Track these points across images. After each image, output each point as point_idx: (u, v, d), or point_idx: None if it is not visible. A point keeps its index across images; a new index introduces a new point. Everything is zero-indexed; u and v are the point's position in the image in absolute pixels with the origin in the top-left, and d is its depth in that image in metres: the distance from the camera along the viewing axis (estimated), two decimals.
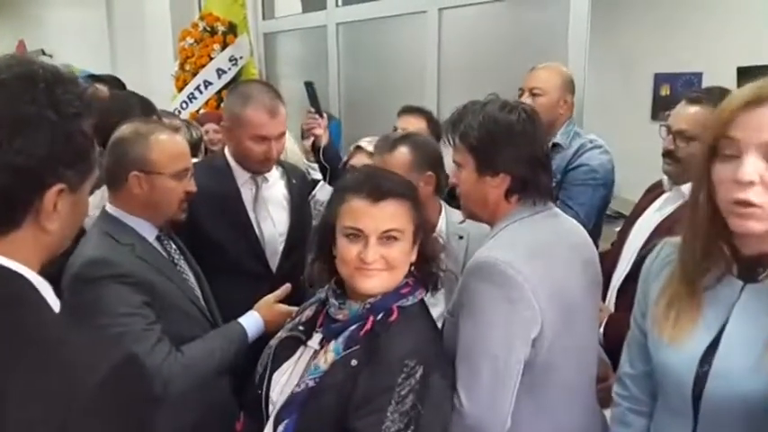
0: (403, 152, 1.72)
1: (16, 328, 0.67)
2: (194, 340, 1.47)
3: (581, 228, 1.38)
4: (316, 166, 2.58)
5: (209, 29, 4.03)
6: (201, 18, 4.11)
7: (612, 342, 1.48)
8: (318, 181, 2.54)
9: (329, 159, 2.33)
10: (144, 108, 2.10)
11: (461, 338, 1.20)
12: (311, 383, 1.14)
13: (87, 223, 1.55)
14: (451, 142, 1.33)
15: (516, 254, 1.18)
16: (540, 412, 1.23)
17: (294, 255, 1.93)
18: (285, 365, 1.23)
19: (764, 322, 0.96)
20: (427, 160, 1.74)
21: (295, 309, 1.45)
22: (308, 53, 4.13)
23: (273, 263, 1.90)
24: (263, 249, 1.88)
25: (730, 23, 4.16)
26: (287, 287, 1.65)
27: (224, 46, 4.00)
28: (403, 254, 1.18)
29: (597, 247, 1.84)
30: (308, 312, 1.30)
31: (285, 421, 1.14)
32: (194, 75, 4.03)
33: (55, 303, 0.74)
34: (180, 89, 4.09)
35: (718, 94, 1.50)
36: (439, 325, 1.31)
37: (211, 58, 3.99)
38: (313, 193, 2.43)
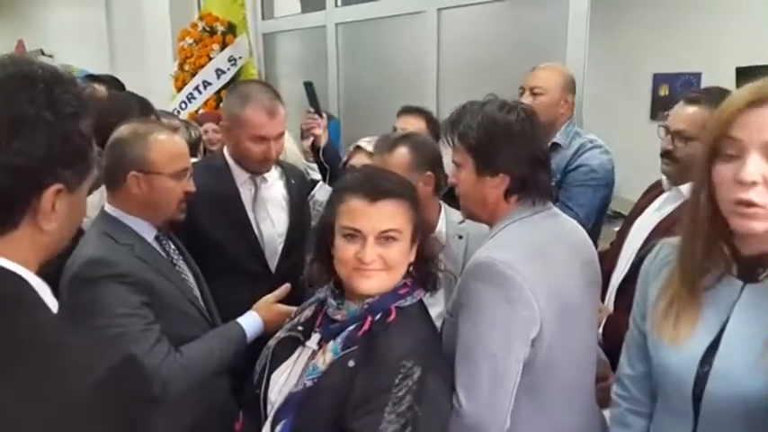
0: (402, 152, 1.72)
1: (14, 330, 0.67)
2: (193, 340, 1.47)
3: (580, 228, 1.38)
4: (315, 166, 2.58)
5: (208, 29, 4.03)
6: (201, 18, 4.10)
7: (611, 342, 1.48)
8: (317, 181, 2.54)
9: (329, 159, 2.33)
10: (142, 108, 2.10)
11: (460, 338, 1.19)
12: (309, 384, 1.14)
13: (86, 223, 1.55)
14: (450, 142, 1.33)
15: (515, 254, 1.18)
16: (540, 412, 1.23)
17: (293, 255, 1.93)
18: (284, 365, 1.23)
19: (765, 322, 0.96)
20: (427, 160, 1.73)
21: (294, 309, 1.45)
22: (308, 53, 4.13)
23: (272, 263, 1.90)
24: (262, 249, 1.87)
25: (729, 24, 4.16)
26: (286, 287, 1.64)
27: (223, 46, 4.00)
28: (401, 254, 1.18)
29: (597, 247, 1.84)
30: (307, 312, 1.30)
31: (282, 421, 1.14)
32: (193, 75, 4.02)
33: (53, 304, 0.73)
34: (179, 89, 4.09)
35: (717, 94, 1.50)
36: (438, 325, 1.31)
37: (210, 59, 3.99)
38: (312, 193, 2.43)
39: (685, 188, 1.56)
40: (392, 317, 1.17)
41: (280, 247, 1.91)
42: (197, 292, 1.62)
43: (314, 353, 1.20)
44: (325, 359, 1.16)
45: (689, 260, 1.04)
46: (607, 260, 1.72)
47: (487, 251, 1.21)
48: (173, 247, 1.61)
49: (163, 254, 1.56)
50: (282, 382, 1.20)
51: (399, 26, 3.41)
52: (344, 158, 2.26)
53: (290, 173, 2.04)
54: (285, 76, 4.33)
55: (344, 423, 1.07)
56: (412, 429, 1.04)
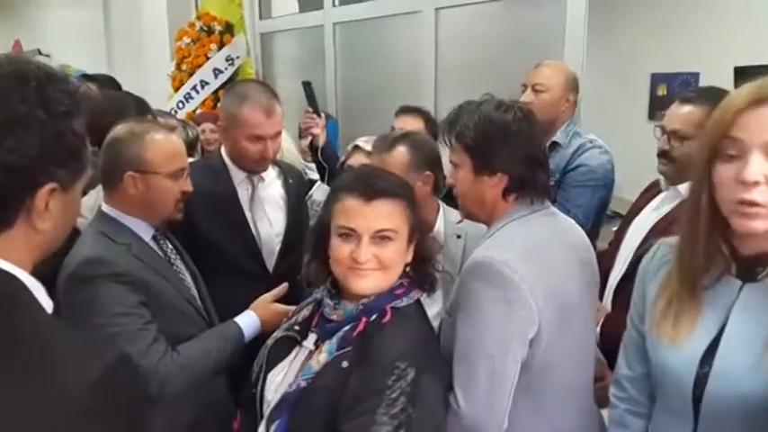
0: (401, 151, 1.72)
1: (8, 330, 0.66)
2: (190, 340, 1.46)
3: (578, 227, 1.38)
4: (312, 165, 2.57)
5: (205, 28, 4.02)
6: (198, 18, 4.10)
7: (609, 342, 1.47)
8: (315, 181, 2.53)
9: (327, 159, 2.33)
10: (139, 108, 2.09)
11: (458, 338, 1.19)
12: (303, 384, 1.14)
13: (83, 224, 1.54)
14: (448, 142, 1.32)
15: (513, 253, 1.18)
16: (538, 412, 1.23)
17: (291, 255, 1.92)
18: (280, 365, 1.23)
19: (764, 321, 0.96)
20: (425, 160, 1.73)
21: (292, 308, 1.44)
22: (305, 53, 4.12)
23: (270, 263, 1.90)
24: (259, 249, 1.87)
25: (727, 24, 4.16)
26: (284, 287, 1.64)
27: (221, 46, 4.00)
28: (397, 254, 1.17)
29: (595, 247, 1.84)
30: (305, 312, 1.30)
31: (277, 421, 1.14)
32: (191, 74, 4.02)
33: (48, 304, 0.73)
34: (176, 89, 4.09)
35: (713, 93, 1.50)
36: (435, 324, 1.31)
37: (208, 58, 3.99)
38: (310, 193, 2.42)
39: (683, 188, 1.56)
40: (387, 317, 1.16)
41: (277, 247, 1.91)
42: (194, 292, 1.62)
43: (311, 353, 1.20)
44: (319, 360, 1.15)
45: (688, 260, 1.04)
46: (605, 260, 1.72)
47: (485, 250, 1.21)
48: (170, 246, 1.61)
49: (160, 253, 1.55)
50: (279, 382, 1.20)
51: (397, 26, 3.40)
52: (342, 158, 2.26)
53: (287, 172, 2.04)
54: (283, 76, 4.33)
55: (337, 424, 1.06)
56: (405, 431, 1.04)
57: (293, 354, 1.23)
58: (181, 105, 4.01)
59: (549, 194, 1.34)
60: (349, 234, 1.15)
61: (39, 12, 7.61)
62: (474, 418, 1.15)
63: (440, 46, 3.17)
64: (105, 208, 1.51)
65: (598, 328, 1.59)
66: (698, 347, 1.01)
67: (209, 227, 1.79)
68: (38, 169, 0.70)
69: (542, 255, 1.22)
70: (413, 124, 2.33)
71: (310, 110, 2.38)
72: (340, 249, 1.16)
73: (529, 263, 1.17)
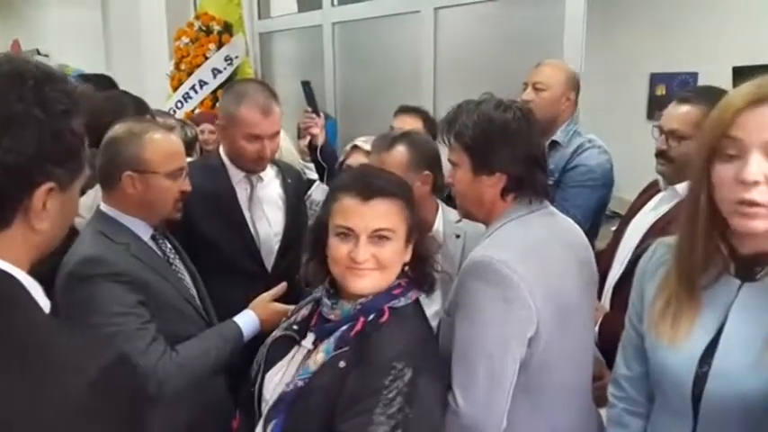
0: (401, 151, 1.72)
1: (6, 330, 0.66)
2: (189, 339, 1.46)
3: (577, 227, 1.38)
4: (311, 165, 2.57)
5: (204, 28, 4.02)
6: (197, 17, 4.10)
7: (607, 341, 1.47)
8: (314, 181, 2.53)
9: (326, 159, 2.33)
10: (138, 107, 2.08)
11: (457, 338, 1.19)
12: (300, 384, 1.14)
13: (81, 223, 1.54)
14: (447, 141, 1.32)
15: (512, 253, 1.18)
16: (536, 412, 1.23)
17: (290, 254, 1.92)
18: (279, 364, 1.23)
19: (763, 321, 0.96)
20: (425, 159, 1.73)
21: (291, 307, 1.44)
22: (304, 53, 4.12)
23: (269, 262, 1.90)
24: (258, 249, 1.87)
25: (726, 24, 4.17)
26: (282, 286, 1.64)
27: (219, 45, 3.99)
28: (394, 254, 1.17)
29: (594, 246, 1.84)
30: (304, 312, 1.30)
31: (274, 421, 1.13)
32: (189, 74, 4.01)
33: (45, 304, 0.73)
34: (175, 89, 4.08)
35: (710, 93, 1.50)
36: (434, 324, 1.31)
37: (207, 58, 3.98)
38: (309, 193, 2.42)
39: (681, 187, 1.57)
40: (385, 317, 1.16)
41: (276, 247, 1.91)
42: (193, 292, 1.62)
43: (309, 352, 1.20)
44: (316, 359, 1.15)
45: (687, 260, 1.03)
46: (603, 259, 1.72)
47: (484, 250, 1.21)
48: (169, 246, 1.61)
49: (159, 253, 1.55)
50: (277, 381, 1.20)
51: (396, 25, 3.40)
52: (341, 158, 2.26)
53: (286, 172, 2.03)
54: (281, 76, 4.33)
55: (335, 424, 1.06)
56: (402, 431, 1.03)
57: (291, 353, 1.23)
58: (179, 105, 4.00)
59: (547, 194, 1.34)
60: (347, 234, 1.15)
61: (37, 11, 7.61)
62: (473, 418, 1.15)
63: (439, 46, 3.17)
64: (104, 207, 1.50)
65: (596, 328, 1.59)
66: (697, 347, 1.01)
67: (207, 226, 1.79)
68: (35, 168, 0.70)
69: (541, 254, 1.22)
70: (411, 124, 2.33)
71: (309, 109, 2.38)
72: (338, 249, 1.16)
73: (528, 262, 1.17)
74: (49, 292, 0.76)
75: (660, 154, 1.66)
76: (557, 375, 1.23)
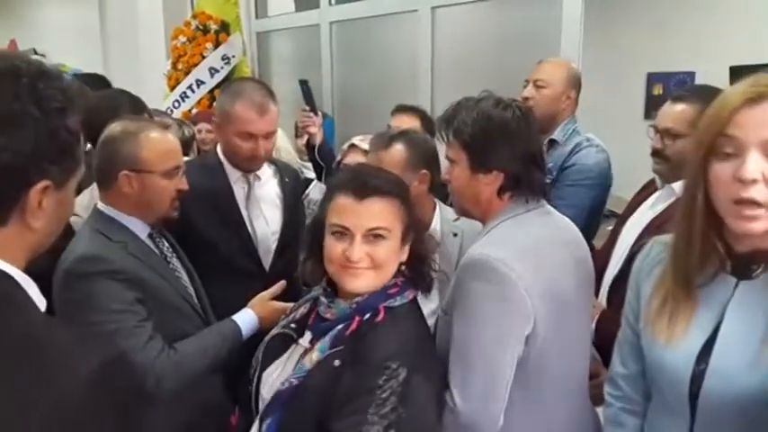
0: (398, 149, 1.72)
1: (2, 328, 0.66)
2: (187, 337, 1.46)
3: (573, 226, 1.38)
4: (309, 165, 2.57)
5: (201, 27, 4.01)
6: (194, 17, 4.09)
7: (604, 338, 1.47)
8: (311, 180, 2.53)
9: (323, 158, 2.32)
10: (134, 106, 2.08)
11: (455, 336, 1.19)
12: (295, 382, 1.14)
13: (77, 222, 1.54)
14: (445, 138, 1.32)
15: (509, 251, 1.18)
16: (533, 410, 1.23)
17: (287, 253, 1.92)
18: (276, 363, 1.23)
19: (760, 318, 0.96)
20: (423, 158, 1.73)
21: (289, 305, 1.44)
22: (301, 52, 4.12)
23: (266, 261, 1.89)
24: (255, 247, 1.87)
25: (723, 23, 4.18)
26: (281, 284, 1.64)
27: (217, 45, 3.98)
28: (390, 253, 1.17)
29: (592, 246, 1.84)
30: (302, 310, 1.30)
31: (269, 419, 1.13)
32: (187, 74, 4.00)
33: (41, 302, 0.73)
34: (172, 88, 4.07)
35: (704, 91, 1.50)
36: (431, 322, 1.31)
37: (204, 57, 3.97)
38: (306, 192, 2.42)
39: (677, 186, 1.57)
40: (380, 316, 1.16)
41: (273, 246, 1.91)
42: (191, 290, 1.62)
43: (306, 351, 1.19)
44: (312, 358, 1.15)
45: (683, 258, 1.03)
46: (600, 258, 1.72)
47: (481, 248, 1.21)
48: (166, 244, 1.61)
49: (156, 251, 1.55)
50: (274, 379, 1.20)
51: (393, 24, 3.41)
52: (339, 157, 2.25)
53: (284, 171, 2.03)
54: (279, 75, 4.32)
55: (329, 422, 1.06)
56: (395, 431, 1.03)
57: (289, 351, 1.23)
58: (177, 104, 3.99)
59: (544, 193, 1.33)
60: (342, 232, 1.15)
61: (34, 11, 7.60)
62: (470, 416, 1.15)
63: (436, 45, 3.18)
64: (101, 206, 1.50)
65: (593, 324, 1.59)
66: (694, 345, 1.01)
67: (205, 225, 1.79)
68: (31, 167, 0.70)
69: (538, 253, 1.22)
70: (409, 123, 2.33)
71: (307, 108, 2.37)
72: (333, 248, 1.16)
73: (525, 261, 1.17)
74: (45, 291, 0.76)
75: (656, 153, 1.67)
76: (553, 373, 1.23)
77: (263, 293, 1.62)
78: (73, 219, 1.53)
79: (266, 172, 1.95)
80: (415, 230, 1.24)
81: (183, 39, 4.04)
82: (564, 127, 2.20)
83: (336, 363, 1.11)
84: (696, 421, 1.01)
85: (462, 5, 3.06)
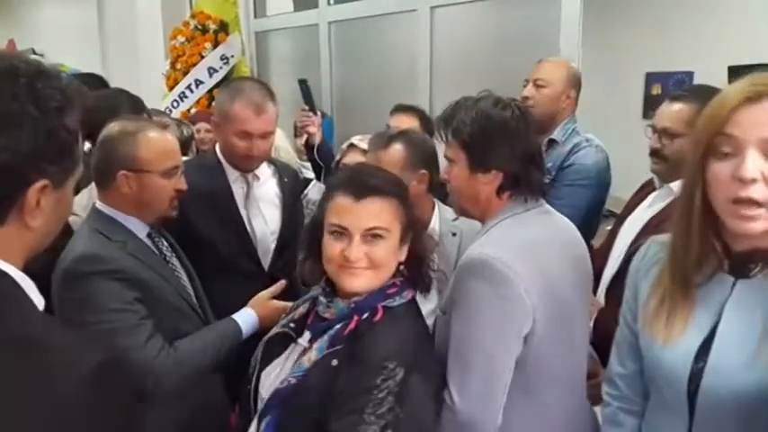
0: (397, 149, 1.72)
1: (1, 328, 0.66)
2: (186, 337, 1.46)
3: (572, 225, 1.38)
4: (308, 164, 2.57)
5: (200, 27, 4.00)
6: (193, 16, 4.08)
7: (601, 336, 1.47)
8: (310, 180, 2.53)
9: (322, 157, 2.32)
10: (134, 106, 2.07)
11: (453, 335, 1.19)
12: (293, 381, 1.13)
13: (76, 222, 1.53)
14: (444, 137, 1.32)
15: (508, 250, 1.18)
16: (532, 409, 1.23)
17: (286, 253, 1.92)
18: (275, 362, 1.23)
19: (757, 317, 0.96)
20: (422, 158, 1.73)
21: (290, 305, 1.44)
22: (300, 52, 4.12)
23: (266, 261, 1.89)
24: (254, 247, 1.87)
25: (722, 23, 4.19)
26: (282, 283, 1.64)
27: (215, 44, 3.97)
28: (388, 253, 1.16)
29: (591, 246, 1.84)
30: (301, 309, 1.30)
31: (267, 417, 1.13)
32: (185, 73, 4.00)
33: (39, 301, 0.73)
34: (171, 88, 4.07)
35: (702, 91, 1.51)
36: (430, 322, 1.31)
37: (203, 57, 3.96)
38: (305, 192, 2.42)
39: (675, 185, 1.57)
40: (379, 316, 1.15)
41: (272, 245, 1.91)
42: (190, 289, 1.61)
43: (305, 350, 1.19)
44: (310, 357, 1.15)
45: (681, 258, 1.03)
46: (598, 257, 1.72)
47: (481, 247, 1.21)
48: (165, 244, 1.61)
49: (155, 251, 1.55)
50: (273, 378, 1.20)
51: (392, 24, 3.41)
52: (338, 157, 2.25)
53: (282, 171, 2.03)
54: (277, 75, 4.32)
55: (326, 422, 1.06)
56: (393, 431, 1.03)
57: (288, 350, 1.23)
58: (175, 104, 3.99)
59: (543, 192, 1.34)
60: (341, 232, 1.15)
61: (33, 11, 7.59)
62: (468, 415, 1.15)
63: (435, 44, 3.17)
64: (100, 205, 1.50)
65: (591, 322, 1.59)
66: (692, 344, 1.01)
67: (203, 225, 1.79)
68: (30, 166, 0.70)
69: (537, 252, 1.22)
70: (408, 123, 2.33)
71: (307, 108, 2.37)
72: (331, 247, 1.16)
73: (523, 260, 1.17)
74: (44, 290, 0.75)
75: (654, 153, 1.67)
76: (552, 372, 1.23)
77: (263, 293, 1.62)
78: (71, 218, 1.53)
79: (265, 172, 1.95)
80: (414, 230, 1.24)
81: (181, 38, 4.03)
82: (564, 127, 2.19)
83: (334, 362, 1.11)
84: (694, 420, 1.01)
85: (461, 5, 3.06)
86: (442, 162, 1.42)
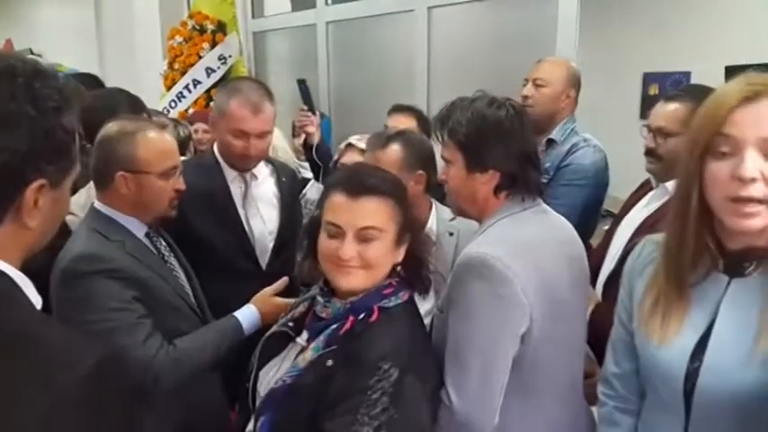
0: (395, 149, 1.72)
1: None
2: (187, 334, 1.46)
3: (569, 225, 1.38)
4: (306, 164, 2.57)
5: (198, 27, 4.00)
6: (190, 16, 4.08)
7: (597, 332, 1.47)
8: (308, 180, 2.53)
9: (321, 157, 2.33)
10: (133, 105, 2.07)
11: (451, 334, 1.19)
12: (288, 380, 1.13)
13: (74, 221, 1.53)
14: (440, 138, 1.32)
15: (505, 249, 1.18)
16: (529, 408, 1.23)
17: (284, 253, 1.92)
18: (274, 361, 1.23)
19: (752, 316, 0.96)
20: (419, 158, 1.73)
21: (292, 302, 1.43)
22: (298, 52, 4.12)
23: (263, 260, 1.90)
24: (252, 246, 1.87)
25: (719, 23, 4.20)
26: (284, 281, 1.63)
27: (213, 44, 3.97)
28: (382, 254, 1.16)
29: (588, 246, 1.84)
30: (301, 308, 1.30)
31: (263, 416, 1.13)
32: (183, 74, 4.00)
33: (37, 301, 0.73)
34: (169, 88, 4.06)
35: (697, 91, 1.51)
36: (427, 321, 1.31)
37: (200, 57, 3.96)
38: (303, 191, 2.42)
39: (671, 185, 1.56)
40: (374, 317, 1.15)
41: (270, 245, 1.91)
42: (188, 289, 1.62)
43: (302, 349, 1.19)
44: (305, 357, 1.15)
45: (676, 258, 1.03)
46: (595, 257, 1.72)
47: (478, 246, 1.21)
48: (163, 243, 1.61)
49: (153, 250, 1.55)
50: (271, 377, 1.20)
51: (390, 24, 3.40)
52: (336, 156, 2.26)
53: (281, 171, 2.03)
54: (275, 75, 4.32)
55: (321, 422, 1.06)
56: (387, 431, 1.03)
57: (286, 350, 1.23)
58: (173, 104, 3.99)
59: (540, 192, 1.34)
60: (335, 231, 1.15)
61: (30, 11, 7.57)
62: (466, 414, 1.16)
63: (432, 45, 3.18)
64: (98, 205, 1.50)
65: (587, 316, 1.58)
66: (687, 343, 1.01)
67: (201, 224, 1.79)
68: (27, 166, 0.70)
69: (534, 251, 1.22)
70: (405, 123, 2.33)
71: (305, 108, 2.37)
72: (326, 245, 1.16)
73: (521, 259, 1.17)
74: (42, 289, 0.76)
75: (649, 152, 1.67)
76: (548, 371, 1.23)
77: (266, 289, 1.61)
78: (69, 218, 1.53)
79: (263, 171, 1.95)
80: (412, 232, 1.23)
81: (179, 39, 4.03)
82: (563, 126, 2.19)
83: (329, 362, 1.11)
84: (691, 419, 1.01)
85: (458, 5, 3.06)
86: (440, 162, 1.43)
